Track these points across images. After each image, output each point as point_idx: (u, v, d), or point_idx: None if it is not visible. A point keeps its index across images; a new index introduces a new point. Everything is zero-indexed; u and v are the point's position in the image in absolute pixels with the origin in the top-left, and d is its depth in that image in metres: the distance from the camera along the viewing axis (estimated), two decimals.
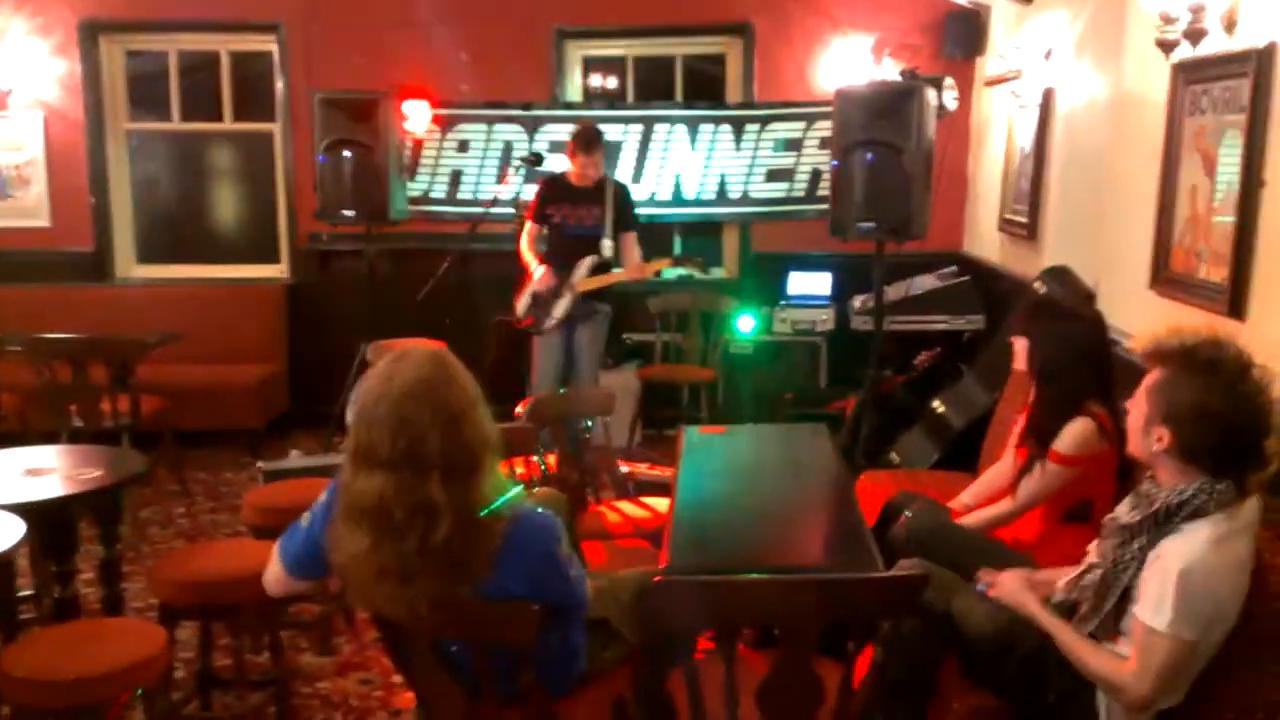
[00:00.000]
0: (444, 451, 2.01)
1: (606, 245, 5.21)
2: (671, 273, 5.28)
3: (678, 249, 6.81)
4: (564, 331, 5.30)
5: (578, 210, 5.27)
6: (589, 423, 4.83)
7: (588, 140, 5.20)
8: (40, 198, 6.54)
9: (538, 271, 5.26)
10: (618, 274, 5.25)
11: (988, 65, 6.04)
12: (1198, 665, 2.17)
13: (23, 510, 2.96)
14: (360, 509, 2.03)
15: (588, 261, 5.21)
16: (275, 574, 2.31)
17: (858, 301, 6.03)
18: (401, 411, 2.00)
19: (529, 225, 5.41)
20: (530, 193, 5.62)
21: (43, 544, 3.34)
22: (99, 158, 6.58)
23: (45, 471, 3.41)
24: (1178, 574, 2.06)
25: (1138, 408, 2.23)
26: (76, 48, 6.43)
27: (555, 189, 5.33)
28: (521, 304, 5.29)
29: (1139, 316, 3.61)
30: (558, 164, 5.55)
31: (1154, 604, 2.09)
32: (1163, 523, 2.14)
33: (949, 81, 5.17)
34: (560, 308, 5.22)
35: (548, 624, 2.09)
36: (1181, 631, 2.07)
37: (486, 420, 2.11)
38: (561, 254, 5.29)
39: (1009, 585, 2.46)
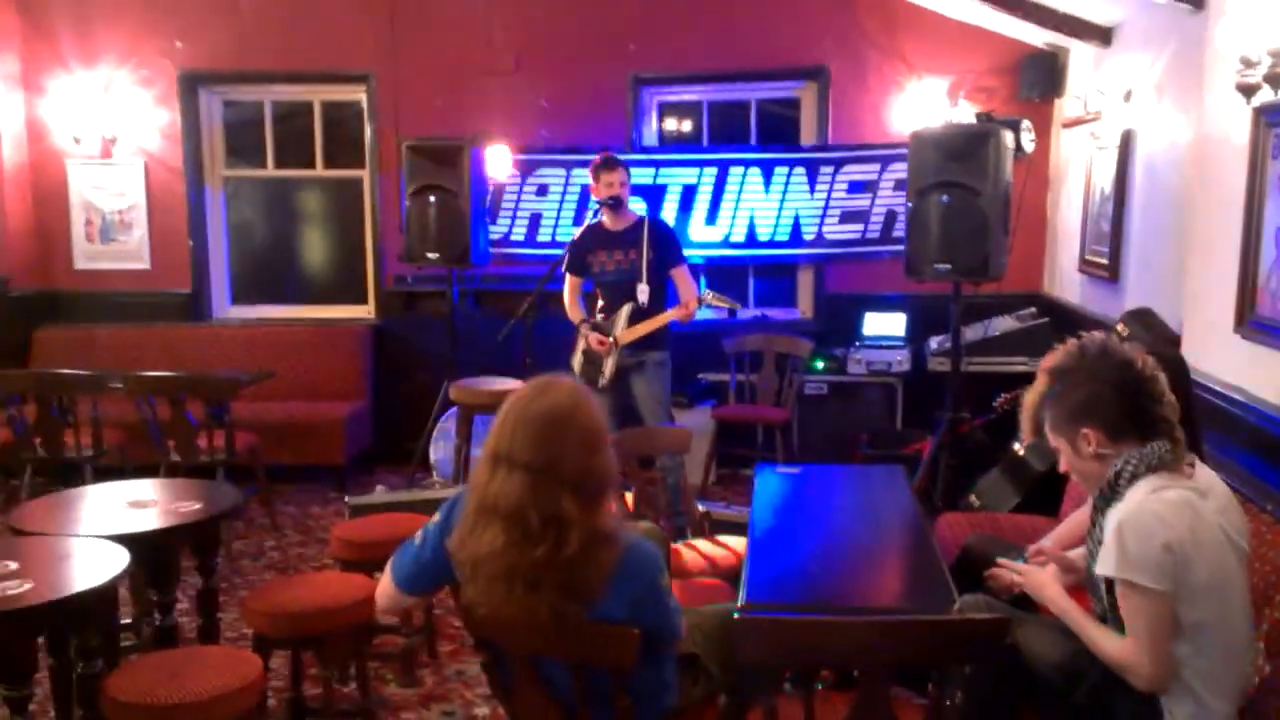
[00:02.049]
0: (579, 471, 2.13)
1: (642, 290, 5.06)
2: (705, 311, 5.16)
3: (752, 290, 6.89)
4: (618, 386, 5.14)
5: (614, 255, 5.16)
6: (667, 461, 4.89)
7: (605, 161, 5.11)
8: (141, 241, 6.85)
9: (581, 329, 5.20)
10: (661, 318, 5.05)
11: (1066, 107, 6.02)
12: (1219, 634, 2.20)
13: (127, 541, 3.10)
14: (496, 508, 2.12)
15: (624, 311, 5.07)
16: (387, 590, 2.42)
17: (934, 342, 6.02)
18: (547, 423, 2.13)
19: (568, 279, 5.31)
20: None
21: (145, 573, 3.49)
22: (197, 203, 6.88)
23: (147, 504, 3.57)
24: (1115, 525, 2.21)
25: (1058, 444, 2.40)
26: (177, 99, 6.76)
27: (590, 237, 5.22)
28: (576, 362, 5.22)
29: (1224, 360, 3.57)
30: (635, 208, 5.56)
31: (1103, 557, 2.24)
32: (1110, 497, 2.30)
33: (1026, 123, 5.17)
34: (609, 364, 5.09)
35: (644, 653, 2.14)
36: (1136, 577, 2.16)
37: (612, 456, 2.23)
38: (605, 302, 5.22)
39: (1035, 576, 2.54)
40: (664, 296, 5.15)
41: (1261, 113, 3.32)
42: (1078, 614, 2.39)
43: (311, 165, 7.01)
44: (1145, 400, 2.30)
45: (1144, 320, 4.26)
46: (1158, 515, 2.19)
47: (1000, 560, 2.66)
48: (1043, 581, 2.51)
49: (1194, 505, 2.23)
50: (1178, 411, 2.33)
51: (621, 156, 5.37)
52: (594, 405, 2.22)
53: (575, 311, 5.30)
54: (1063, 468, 2.46)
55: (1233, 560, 2.26)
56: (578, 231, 5.38)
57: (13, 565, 2.87)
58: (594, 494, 2.15)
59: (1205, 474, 2.38)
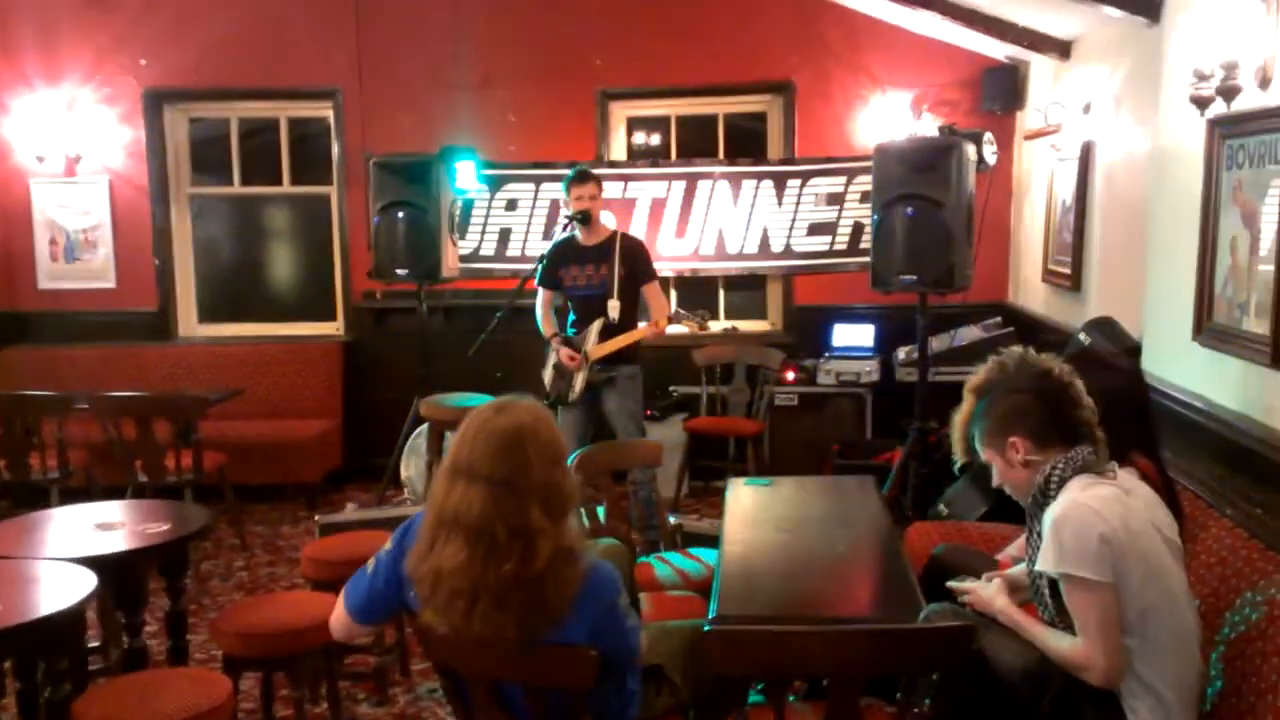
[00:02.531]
0: (544, 485, 2.10)
1: (613, 306, 5.03)
2: (674, 328, 5.15)
3: (722, 302, 6.93)
4: (589, 400, 5.12)
5: (585, 270, 5.14)
6: (639, 475, 4.90)
7: (577, 174, 5.11)
8: (106, 260, 6.80)
9: (551, 343, 5.19)
10: (631, 335, 5.03)
11: (1027, 119, 6.11)
12: (1167, 622, 2.27)
13: (94, 563, 3.08)
14: (458, 521, 2.08)
15: (595, 326, 5.05)
16: (340, 619, 2.38)
17: (902, 353, 6.08)
18: (509, 437, 2.11)
19: (540, 293, 5.28)
20: None
21: (113, 596, 3.46)
22: (162, 221, 6.83)
23: (114, 526, 3.54)
24: (1050, 521, 2.30)
25: (990, 458, 2.49)
26: (141, 116, 6.72)
27: (562, 251, 5.21)
28: (546, 376, 5.20)
29: (1183, 367, 3.63)
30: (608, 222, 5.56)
31: (1042, 555, 2.31)
32: (1042, 503, 2.38)
33: (988, 136, 5.24)
34: (579, 379, 5.06)
35: (603, 673, 2.14)
36: (1076, 570, 2.23)
37: (573, 474, 2.23)
38: (576, 317, 5.21)
39: (980, 593, 2.60)
40: (635, 312, 5.14)
41: (1215, 124, 3.39)
42: (1028, 622, 2.45)
43: (278, 182, 6.98)
44: (1066, 406, 2.40)
45: (1105, 329, 4.32)
46: (1091, 509, 2.27)
47: (950, 585, 2.70)
48: (989, 597, 2.57)
49: (1123, 500, 2.33)
50: (1096, 415, 2.42)
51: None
52: (553, 423, 2.22)
53: (547, 325, 5.27)
54: (995, 482, 2.54)
55: (1166, 552, 2.34)
56: (550, 245, 5.38)
57: None
58: (560, 509, 2.13)
59: (1126, 477, 2.46)
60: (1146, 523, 2.33)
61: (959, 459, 2.56)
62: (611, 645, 2.18)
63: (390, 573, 2.25)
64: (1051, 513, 2.32)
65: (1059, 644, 2.35)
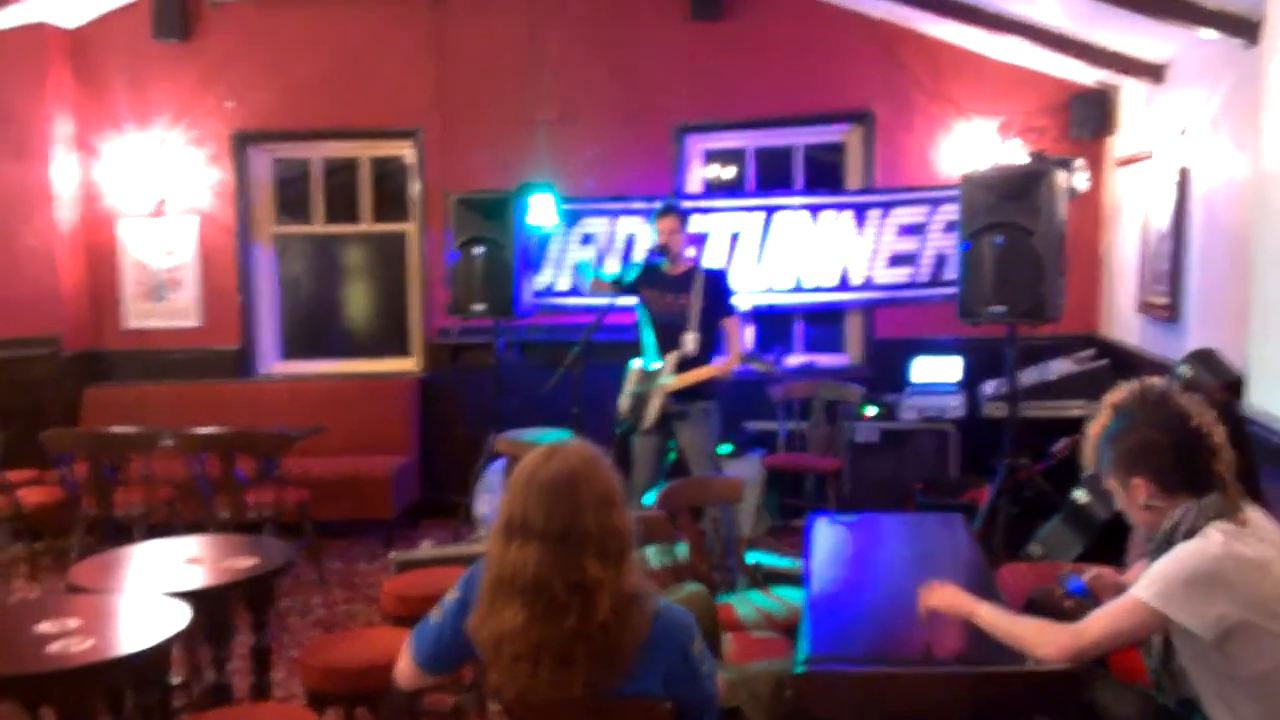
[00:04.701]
0: (599, 532, 2.02)
1: (689, 339, 5.04)
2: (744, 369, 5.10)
3: (800, 336, 6.84)
4: (663, 431, 5.12)
5: (664, 298, 5.17)
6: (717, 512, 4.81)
7: (665, 206, 5.21)
8: (192, 299, 6.93)
9: (630, 368, 5.21)
10: (701, 372, 5.02)
11: (1118, 145, 5.94)
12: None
13: (184, 598, 3.09)
14: (515, 582, 2.01)
15: (672, 359, 5.05)
16: (406, 668, 2.30)
17: (989, 387, 5.91)
18: (558, 489, 2.03)
19: (614, 289, 5.35)
20: None
21: (199, 630, 3.46)
22: (246, 260, 6.96)
23: (200, 561, 3.56)
24: (1179, 559, 2.16)
25: (1112, 487, 2.38)
26: (229, 157, 6.87)
27: (649, 272, 5.26)
28: (623, 402, 5.20)
29: None
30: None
31: (1146, 577, 2.20)
32: (1165, 548, 2.24)
33: (1079, 162, 5.10)
34: (653, 409, 5.05)
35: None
36: (1159, 605, 2.13)
37: (629, 515, 2.12)
38: (654, 341, 5.21)
39: (940, 593, 2.53)
40: (712, 345, 5.12)
41: None
42: (995, 616, 2.39)
43: (358, 220, 7.08)
44: (1199, 456, 2.25)
45: (1207, 362, 4.15)
46: (1223, 577, 2.12)
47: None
48: (948, 590, 2.52)
49: (1267, 567, 2.15)
50: (1232, 468, 2.27)
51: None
52: (606, 464, 2.13)
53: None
54: (1120, 507, 2.43)
55: None
56: (640, 260, 5.40)
57: (72, 623, 2.87)
58: (618, 553, 2.04)
59: (1257, 519, 2.31)
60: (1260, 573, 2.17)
61: (1088, 468, 2.44)
62: (686, 693, 2.08)
63: (457, 623, 2.18)
64: (1187, 549, 2.18)
65: (1023, 626, 2.32)
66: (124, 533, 5.11)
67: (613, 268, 6.18)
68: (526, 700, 2.07)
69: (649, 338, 5.26)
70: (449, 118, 6.66)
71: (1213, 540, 2.16)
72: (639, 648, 2.03)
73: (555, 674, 2.00)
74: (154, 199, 6.87)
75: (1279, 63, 3.53)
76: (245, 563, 3.50)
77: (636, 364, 5.24)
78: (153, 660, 2.80)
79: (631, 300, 5.33)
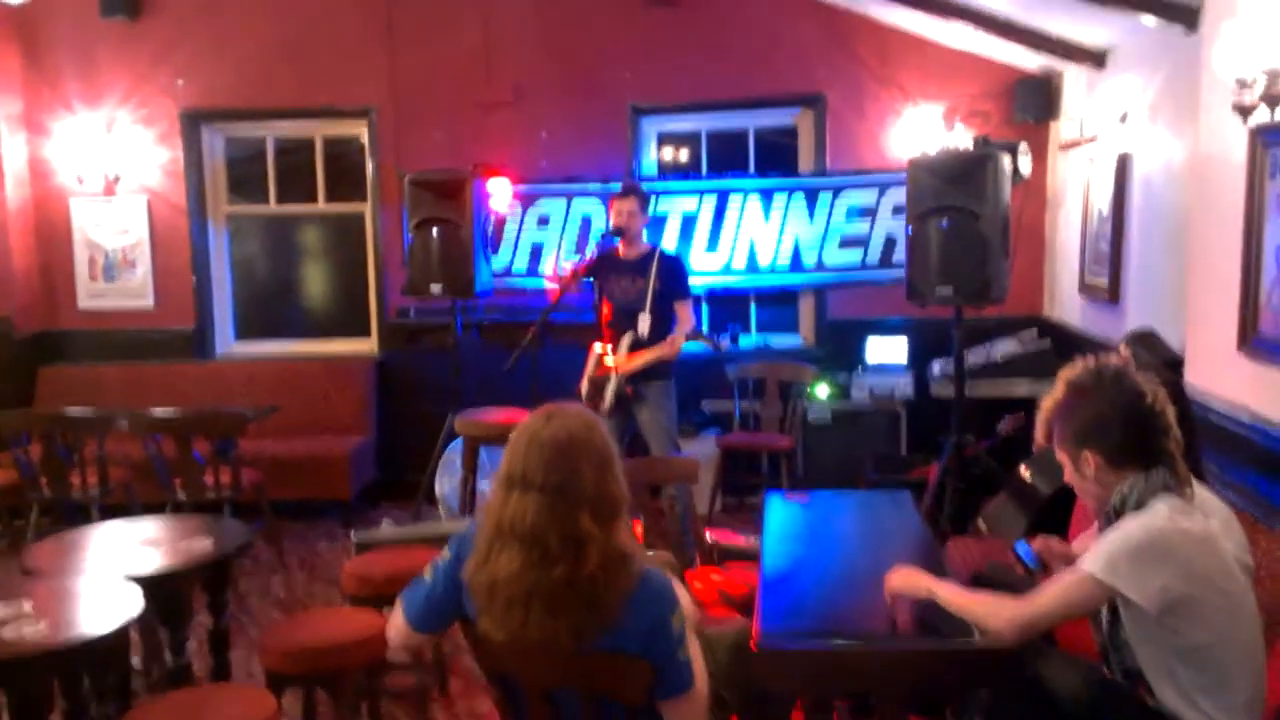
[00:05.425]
0: (595, 491, 2.14)
1: (643, 320, 5.08)
2: (691, 346, 5.13)
3: (754, 317, 6.93)
4: (622, 412, 5.13)
5: (621, 283, 5.22)
6: (674, 490, 4.90)
7: (624, 188, 5.26)
8: (145, 279, 6.87)
9: (591, 355, 5.26)
10: (649, 353, 5.04)
11: (1062, 129, 6.07)
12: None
13: (141, 581, 3.11)
14: (514, 530, 2.12)
15: (626, 340, 5.09)
16: (399, 628, 2.39)
17: (937, 367, 6.04)
18: (561, 445, 2.14)
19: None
20: None
21: (156, 613, 3.49)
22: (200, 240, 6.90)
23: (158, 543, 3.57)
24: (1126, 533, 2.23)
25: (1062, 458, 2.44)
26: (179, 137, 6.80)
27: (604, 261, 5.28)
28: (583, 387, 5.24)
29: (1228, 380, 3.59)
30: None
31: (1093, 552, 2.26)
32: (1113, 521, 2.32)
33: (1023, 147, 5.20)
34: (609, 391, 5.09)
35: (651, 696, 2.13)
36: (1108, 578, 2.19)
37: (624, 479, 2.24)
38: (613, 328, 5.24)
39: (900, 574, 2.60)
40: (667, 328, 5.15)
41: (1258, 133, 3.36)
42: (949, 590, 2.46)
43: (313, 200, 7.05)
44: (1151, 433, 2.32)
45: (1146, 342, 4.27)
46: (1168, 551, 2.19)
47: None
48: (912, 576, 2.58)
49: (1211, 542, 2.24)
50: (1181, 445, 2.35)
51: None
52: (604, 429, 2.25)
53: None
54: (1066, 478, 2.49)
55: (1242, 588, 2.27)
56: (599, 248, 5.38)
57: (27, 606, 2.89)
58: (610, 514, 2.16)
59: (1202, 494, 2.41)
60: (1229, 555, 2.27)
61: (1039, 441, 2.52)
62: (660, 661, 2.14)
63: (448, 580, 2.28)
64: (1134, 522, 2.26)
65: (978, 600, 2.38)
66: (80, 514, 5.10)
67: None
68: (513, 646, 2.16)
69: (609, 322, 5.28)
70: (403, 97, 6.65)
71: (1158, 514, 2.23)
72: (623, 604, 2.12)
73: (544, 620, 2.11)
74: (105, 178, 6.78)
75: (1217, 49, 3.64)
76: (202, 544, 3.52)
77: (596, 347, 5.28)
78: (109, 644, 2.82)
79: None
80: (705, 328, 6.69)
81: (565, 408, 2.26)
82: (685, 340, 5.10)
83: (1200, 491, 2.40)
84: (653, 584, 2.18)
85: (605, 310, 5.34)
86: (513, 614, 2.13)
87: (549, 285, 5.44)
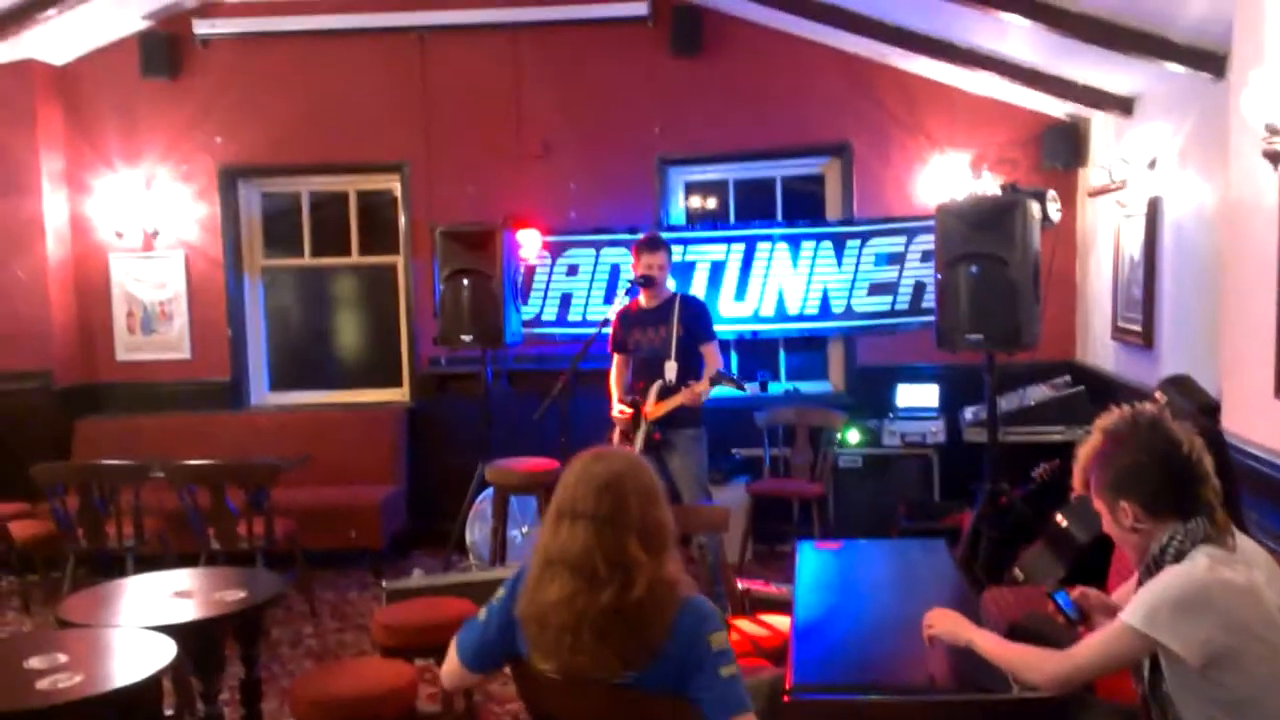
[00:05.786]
0: (641, 520, 2.19)
1: (669, 367, 5.09)
2: (720, 392, 5.11)
3: (783, 364, 6.93)
4: (652, 459, 5.11)
5: (647, 333, 5.24)
6: (705, 539, 4.87)
7: (649, 241, 5.27)
8: (181, 332, 6.98)
9: (615, 408, 5.26)
10: (674, 399, 5.01)
11: (1090, 176, 6.07)
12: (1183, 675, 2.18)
13: (173, 631, 3.13)
14: (563, 559, 2.18)
15: (654, 388, 5.09)
16: (452, 668, 2.41)
17: (969, 413, 6.00)
18: (610, 479, 2.21)
19: (615, 359, 5.43)
20: None
21: (190, 663, 3.50)
22: (236, 293, 7.02)
23: (190, 594, 3.60)
24: (1166, 584, 2.19)
25: (1099, 508, 2.41)
26: (216, 192, 6.94)
27: (628, 316, 5.32)
28: (615, 438, 5.23)
29: (1265, 425, 3.54)
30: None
31: (1134, 603, 2.22)
32: (1153, 571, 2.27)
33: (1052, 193, 5.20)
34: (637, 438, 5.09)
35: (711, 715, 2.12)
36: (1149, 630, 2.15)
37: (671, 513, 2.29)
38: (638, 379, 5.26)
39: (941, 620, 2.56)
40: (695, 373, 5.15)
41: None
42: (989, 641, 2.43)
43: (347, 253, 7.15)
44: (1188, 482, 2.29)
45: (1182, 387, 4.23)
46: (1210, 602, 2.15)
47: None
48: (954, 623, 2.55)
49: (1254, 593, 2.19)
50: (1220, 494, 2.31)
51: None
52: (649, 468, 2.32)
53: (619, 390, 5.37)
54: (1105, 529, 2.46)
55: None
56: (616, 309, 5.43)
57: (62, 658, 2.91)
58: (659, 545, 2.20)
59: (1244, 543, 2.36)
60: (1273, 605, 2.21)
61: (1076, 490, 2.49)
62: (709, 683, 2.12)
63: (502, 619, 2.32)
64: (1174, 574, 2.21)
65: (1020, 652, 2.35)
66: (116, 564, 5.14)
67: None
68: (564, 685, 2.18)
69: (634, 374, 5.31)
70: (434, 152, 6.76)
71: (1199, 565, 2.19)
72: (668, 628, 2.15)
73: (593, 647, 2.13)
74: (144, 233, 6.92)
75: (1246, 96, 3.64)
76: (235, 595, 3.54)
77: (616, 410, 5.27)
78: (142, 694, 2.83)
79: (625, 358, 5.41)
80: (735, 372, 6.68)
81: (613, 449, 2.37)
82: (710, 383, 5.08)
83: (1243, 541, 2.36)
84: (697, 606, 2.21)
85: (618, 361, 5.39)
86: (562, 642, 2.16)
87: (607, 330, 5.42)
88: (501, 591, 2.36)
